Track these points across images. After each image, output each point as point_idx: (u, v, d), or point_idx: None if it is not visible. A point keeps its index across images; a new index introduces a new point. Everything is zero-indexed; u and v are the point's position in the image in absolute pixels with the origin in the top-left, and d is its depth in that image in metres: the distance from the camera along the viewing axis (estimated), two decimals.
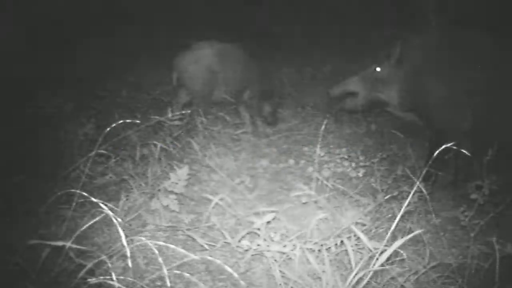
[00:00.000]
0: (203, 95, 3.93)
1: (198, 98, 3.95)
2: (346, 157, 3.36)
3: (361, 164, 3.25)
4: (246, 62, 4.10)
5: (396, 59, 3.11)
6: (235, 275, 1.69)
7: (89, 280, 1.65)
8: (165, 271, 1.59)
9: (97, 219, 1.82)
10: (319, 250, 2.04)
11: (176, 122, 3.23)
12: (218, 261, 1.77)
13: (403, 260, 2.03)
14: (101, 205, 1.73)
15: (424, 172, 2.25)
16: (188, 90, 3.97)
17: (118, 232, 1.66)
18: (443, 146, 1.97)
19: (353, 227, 2.03)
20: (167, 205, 2.45)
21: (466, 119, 2.93)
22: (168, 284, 1.58)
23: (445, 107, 2.98)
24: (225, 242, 2.27)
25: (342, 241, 2.05)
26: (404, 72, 3.12)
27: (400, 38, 3.13)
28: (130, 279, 1.77)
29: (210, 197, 2.42)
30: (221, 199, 2.39)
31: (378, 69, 3.20)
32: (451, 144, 1.99)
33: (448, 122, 2.99)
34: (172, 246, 1.80)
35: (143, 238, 1.86)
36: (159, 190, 2.51)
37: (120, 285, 1.61)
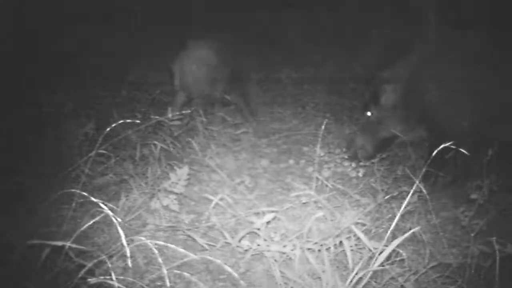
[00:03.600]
0: (202, 94, 3.94)
1: (197, 97, 3.96)
2: (346, 157, 3.36)
3: (361, 164, 3.25)
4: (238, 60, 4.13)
5: (374, 100, 3.18)
6: (235, 275, 1.69)
7: (89, 280, 1.65)
8: (165, 271, 1.59)
9: (97, 219, 1.82)
10: (319, 250, 2.04)
11: (176, 122, 3.23)
12: (218, 261, 1.77)
13: (403, 260, 2.03)
14: (101, 205, 1.73)
15: (424, 172, 2.26)
16: (188, 89, 3.98)
17: (118, 232, 1.66)
18: (442, 146, 1.98)
19: (353, 227, 2.03)
20: (167, 205, 2.45)
21: (465, 119, 2.93)
22: (168, 284, 1.58)
23: (446, 112, 2.98)
24: (225, 242, 2.26)
25: (341, 241, 2.05)
26: (397, 104, 3.15)
27: (376, 78, 3.19)
28: (130, 279, 1.78)
29: (210, 197, 2.42)
30: (221, 199, 2.39)
31: (368, 113, 3.26)
32: (450, 143, 1.99)
33: (449, 123, 2.99)
34: (172, 246, 1.80)
35: (143, 238, 1.86)
36: (159, 190, 2.51)
37: (120, 285, 1.62)
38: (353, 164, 3.29)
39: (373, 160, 3.16)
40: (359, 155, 3.32)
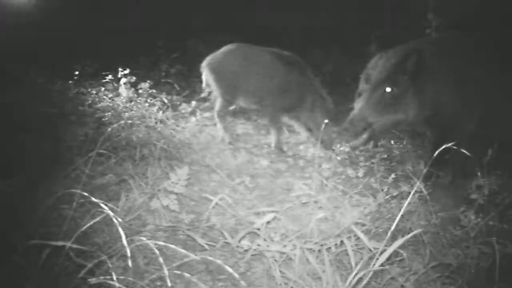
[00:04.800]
0: (226, 99, 3.92)
1: (220, 102, 3.94)
2: (346, 157, 3.36)
3: (361, 164, 3.25)
4: (273, 68, 3.93)
5: (412, 72, 2.95)
6: (235, 275, 1.70)
7: (89, 280, 1.66)
8: (165, 271, 1.59)
9: (97, 219, 1.83)
10: (319, 250, 2.04)
11: (176, 122, 3.24)
12: (218, 261, 1.77)
13: (403, 260, 2.03)
14: (101, 205, 1.73)
15: (424, 172, 2.26)
16: (213, 93, 3.98)
17: (118, 232, 1.66)
18: (444, 146, 1.98)
19: (353, 227, 2.03)
20: (167, 205, 2.45)
21: (472, 121, 2.92)
22: (169, 284, 1.59)
23: (456, 111, 2.96)
24: (225, 242, 2.26)
25: (342, 241, 2.05)
26: (419, 83, 2.97)
27: (416, 50, 2.97)
28: (130, 279, 1.77)
29: (210, 197, 2.42)
30: (221, 199, 2.39)
31: (388, 89, 3.00)
32: (451, 144, 2.00)
33: (455, 124, 2.97)
34: (172, 246, 1.80)
35: (143, 238, 1.86)
36: (159, 190, 2.51)
37: (120, 285, 1.62)
38: (353, 164, 3.27)
39: (373, 160, 3.16)
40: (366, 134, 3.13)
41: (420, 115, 3.04)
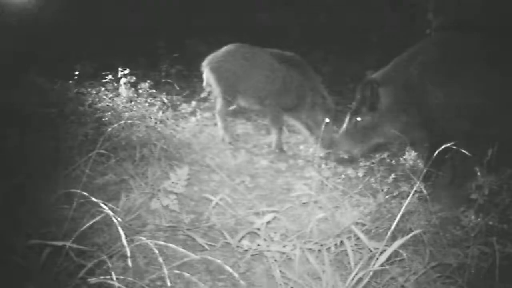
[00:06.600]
0: (226, 98, 3.92)
1: (220, 102, 3.94)
2: (346, 157, 3.36)
3: (361, 164, 3.25)
4: (274, 69, 3.93)
5: (370, 104, 3.10)
6: (235, 275, 1.70)
7: (89, 280, 1.66)
8: (165, 271, 1.59)
9: (97, 219, 1.83)
10: (319, 250, 2.04)
11: (177, 122, 3.23)
12: (218, 261, 1.77)
13: (403, 260, 2.03)
14: (101, 205, 1.73)
15: (424, 172, 2.26)
16: (213, 91, 3.98)
17: (118, 232, 1.66)
18: (443, 146, 1.98)
19: (353, 227, 2.03)
20: (167, 205, 2.45)
21: (466, 120, 2.92)
22: (168, 284, 1.59)
23: (446, 115, 2.97)
24: (225, 242, 2.27)
25: (342, 241, 2.05)
26: (390, 107, 3.08)
27: (371, 81, 3.09)
28: (130, 279, 1.77)
29: (210, 197, 2.42)
30: (221, 199, 2.39)
31: (358, 119, 3.17)
32: (451, 144, 2.00)
33: (449, 125, 2.98)
34: (172, 246, 1.80)
35: (143, 238, 1.86)
36: (159, 190, 2.51)
37: (120, 285, 1.62)
38: (353, 164, 3.27)
39: (373, 160, 3.16)
40: (341, 157, 3.25)
41: (408, 130, 3.11)
